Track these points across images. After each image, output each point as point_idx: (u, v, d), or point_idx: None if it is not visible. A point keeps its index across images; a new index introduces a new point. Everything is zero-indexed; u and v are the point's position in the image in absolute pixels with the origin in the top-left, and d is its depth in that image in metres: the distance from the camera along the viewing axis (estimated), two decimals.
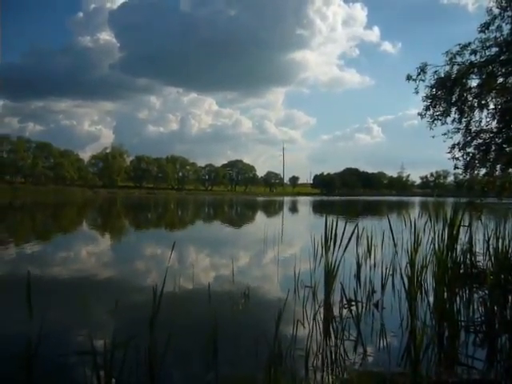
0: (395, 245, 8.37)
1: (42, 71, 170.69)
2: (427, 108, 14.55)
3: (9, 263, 11.16)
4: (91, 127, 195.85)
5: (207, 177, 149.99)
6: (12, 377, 4.67)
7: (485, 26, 13.36)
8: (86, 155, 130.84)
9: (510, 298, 7.31)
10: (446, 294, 6.53)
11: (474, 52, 13.54)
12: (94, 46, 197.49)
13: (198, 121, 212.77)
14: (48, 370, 4.80)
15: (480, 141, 14.10)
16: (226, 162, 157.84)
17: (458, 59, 13.85)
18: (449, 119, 14.44)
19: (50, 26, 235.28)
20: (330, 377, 4.79)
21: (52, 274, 10.07)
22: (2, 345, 5.49)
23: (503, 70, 13.30)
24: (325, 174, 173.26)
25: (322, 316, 6.70)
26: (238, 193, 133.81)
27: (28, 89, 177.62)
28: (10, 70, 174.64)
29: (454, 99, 14.15)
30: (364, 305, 7.35)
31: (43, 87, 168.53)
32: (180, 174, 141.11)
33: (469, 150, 14.27)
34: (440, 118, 14.47)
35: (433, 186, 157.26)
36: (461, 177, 15.61)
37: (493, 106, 14.01)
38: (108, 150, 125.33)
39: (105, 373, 4.16)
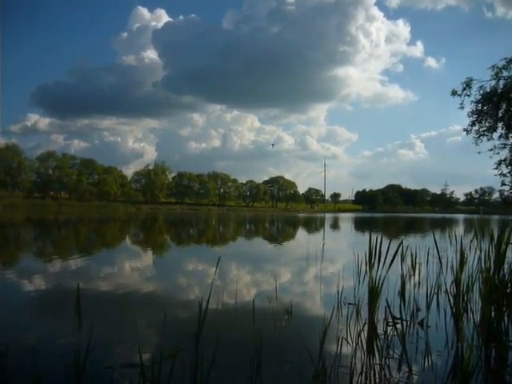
0: (440, 262, 8.26)
1: (88, 89, 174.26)
2: (473, 123, 14.37)
3: (55, 277, 11.42)
4: (135, 144, 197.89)
5: (248, 193, 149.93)
6: None
7: None
8: (129, 172, 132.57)
9: None
10: (493, 313, 6.40)
11: None
12: (139, 65, 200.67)
13: (240, 137, 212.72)
14: (96, 381, 4.90)
15: None
16: (267, 179, 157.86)
17: (505, 73, 13.68)
18: (495, 135, 14.25)
19: (96, 45, 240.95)
20: None
21: (97, 287, 10.29)
22: (51, 356, 5.59)
23: None
24: (367, 190, 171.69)
25: (365, 334, 6.65)
26: (279, 209, 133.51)
27: (74, 107, 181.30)
28: (56, 89, 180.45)
29: (500, 114, 13.94)
30: (408, 323, 7.25)
31: (89, 105, 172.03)
32: (221, 190, 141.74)
33: None
34: (486, 133, 14.27)
35: (477, 203, 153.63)
36: (506, 193, 15.32)
37: None
38: (150, 167, 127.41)
39: None
